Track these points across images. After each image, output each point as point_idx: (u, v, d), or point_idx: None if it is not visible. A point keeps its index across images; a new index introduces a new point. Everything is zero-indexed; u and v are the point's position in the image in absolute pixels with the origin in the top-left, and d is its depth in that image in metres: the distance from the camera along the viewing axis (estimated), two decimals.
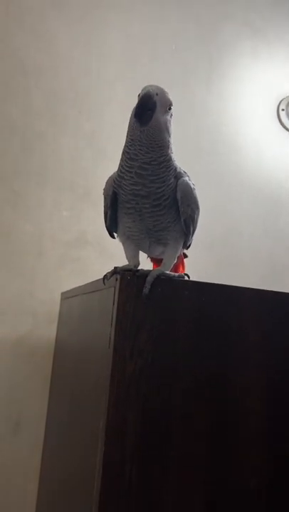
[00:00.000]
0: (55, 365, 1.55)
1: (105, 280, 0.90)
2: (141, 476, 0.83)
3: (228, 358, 0.91)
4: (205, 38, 2.07)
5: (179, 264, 1.14)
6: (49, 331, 1.60)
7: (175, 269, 1.13)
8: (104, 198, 1.01)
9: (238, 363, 0.91)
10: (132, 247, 1.01)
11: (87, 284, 1.18)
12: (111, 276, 0.89)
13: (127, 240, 1.01)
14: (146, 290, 0.86)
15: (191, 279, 0.98)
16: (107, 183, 1.01)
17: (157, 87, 0.91)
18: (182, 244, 1.01)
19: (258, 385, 0.93)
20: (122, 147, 0.97)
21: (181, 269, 1.14)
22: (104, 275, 0.90)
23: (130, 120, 0.94)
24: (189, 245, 1.07)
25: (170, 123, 0.94)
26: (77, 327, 1.27)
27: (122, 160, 0.95)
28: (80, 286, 1.30)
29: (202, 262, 1.70)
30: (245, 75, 2.14)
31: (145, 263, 1.09)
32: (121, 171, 0.95)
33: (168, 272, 0.93)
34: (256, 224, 2.05)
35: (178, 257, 1.08)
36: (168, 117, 0.94)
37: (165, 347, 0.88)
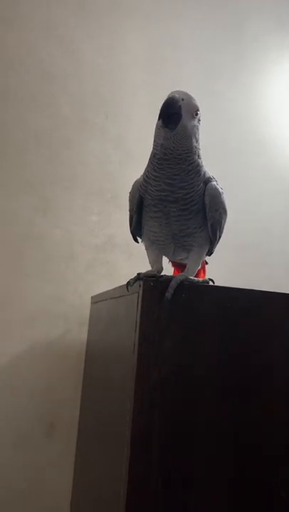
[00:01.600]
0: (87, 368, 1.57)
1: (129, 287, 0.90)
2: (167, 489, 0.82)
3: (256, 366, 0.89)
4: (230, 34, 2.04)
5: (200, 270, 1.13)
6: (80, 335, 1.63)
7: (196, 274, 1.12)
8: (130, 202, 1.01)
9: (266, 370, 0.89)
10: (156, 252, 1.00)
11: (115, 288, 1.18)
12: (134, 282, 0.89)
13: (151, 245, 1.01)
14: (168, 295, 0.85)
15: (218, 283, 0.96)
16: (133, 186, 1.00)
17: (183, 93, 0.91)
18: (207, 250, 1.00)
19: (286, 394, 0.90)
20: (149, 149, 0.96)
21: (202, 274, 1.13)
22: (128, 282, 0.90)
23: (156, 129, 0.93)
24: (212, 252, 1.05)
25: (197, 129, 0.93)
26: (105, 331, 1.28)
27: (148, 166, 0.95)
28: (108, 291, 1.31)
29: (230, 265, 1.68)
30: (272, 69, 2.09)
31: (167, 267, 1.09)
32: (148, 176, 0.94)
33: (192, 278, 0.93)
34: (287, 225, 2.01)
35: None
36: (195, 123, 0.92)
37: (190, 354, 0.87)
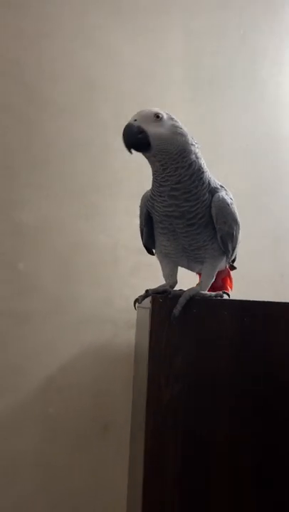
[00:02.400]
0: (135, 371, 1.59)
1: (136, 304, 0.90)
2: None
3: (275, 384, 0.85)
4: (273, 18, 1.92)
5: (226, 277, 1.09)
6: (129, 337, 1.65)
7: (222, 282, 1.09)
8: (139, 216, 1.01)
9: (285, 389, 0.84)
10: (170, 265, 0.99)
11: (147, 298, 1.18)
12: (143, 299, 0.88)
13: (164, 258, 0.99)
14: (176, 312, 0.84)
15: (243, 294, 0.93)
16: (141, 201, 1.00)
17: (134, 115, 0.91)
18: (221, 261, 0.96)
19: None
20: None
21: (228, 282, 1.09)
22: (136, 299, 0.90)
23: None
24: (234, 259, 1.01)
25: (176, 126, 0.90)
26: (143, 338, 1.29)
27: (153, 184, 0.94)
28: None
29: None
30: None
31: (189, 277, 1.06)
32: (153, 194, 0.93)
33: (203, 292, 0.90)
34: None
35: (224, 271, 1.03)
36: (167, 123, 0.90)
37: (203, 372, 0.85)
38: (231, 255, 0.96)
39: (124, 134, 0.88)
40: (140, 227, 1.03)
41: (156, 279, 1.66)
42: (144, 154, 0.91)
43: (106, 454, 1.61)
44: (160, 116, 0.90)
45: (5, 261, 1.63)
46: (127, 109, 1.75)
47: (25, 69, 1.69)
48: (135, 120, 0.89)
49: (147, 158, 0.91)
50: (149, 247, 1.04)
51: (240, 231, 0.95)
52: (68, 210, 1.69)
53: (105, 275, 1.68)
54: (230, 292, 1.18)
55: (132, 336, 1.64)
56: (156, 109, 0.90)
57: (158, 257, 1.02)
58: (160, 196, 0.90)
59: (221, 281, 1.15)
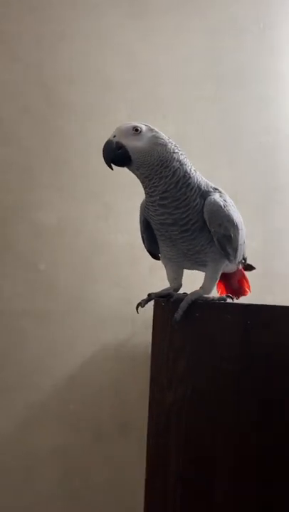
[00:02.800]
0: None
1: (138, 308, 0.91)
2: None
3: (280, 388, 0.83)
4: None
5: (242, 278, 1.08)
6: (147, 336, 1.65)
7: (239, 284, 1.08)
8: (139, 223, 1.02)
9: None
10: (174, 268, 0.99)
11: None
12: (145, 303, 0.89)
13: (168, 262, 0.99)
14: (177, 316, 0.84)
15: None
16: (140, 208, 1.00)
17: (115, 130, 0.91)
18: (223, 263, 0.95)
19: None
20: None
21: (245, 283, 1.08)
22: (139, 303, 0.91)
23: None
24: (245, 259, 1.00)
25: (157, 137, 0.90)
26: None
27: (145, 195, 0.95)
28: None
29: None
30: None
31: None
32: (147, 204, 0.94)
33: (206, 296, 0.89)
34: None
35: (237, 272, 1.02)
36: (147, 135, 0.91)
37: (207, 375, 0.84)
38: (234, 257, 0.94)
39: (103, 151, 0.89)
40: (141, 234, 1.03)
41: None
42: (128, 168, 0.91)
43: (125, 452, 1.63)
44: (139, 129, 0.91)
45: (26, 261, 1.67)
46: (143, 109, 1.77)
47: (44, 72, 1.72)
48: (114, 136, 0.90)
49: (132, 171, 0.92)
50: (154, 252, 1.04)
51: (241, 231, 0.93)
52: (87, 211, 1.72)
53: (124, 275, 1.70)
54: (249, 294, 1.17)
55: (150, 336, 1.65)
56: (135, 123, 0.91)
57: (162, 262, 1.02)
58: (152, 206, 0.91)
59: (238, 284, 1.14)
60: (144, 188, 0.93)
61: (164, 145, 0.90)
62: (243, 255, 1.01)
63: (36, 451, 1.60)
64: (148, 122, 1.74)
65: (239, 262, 1.01)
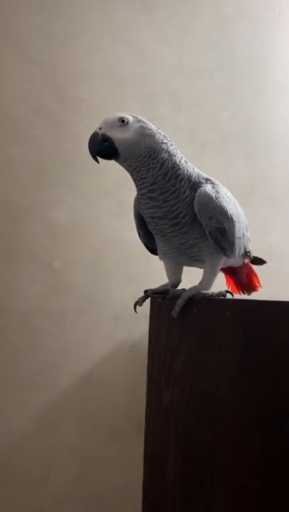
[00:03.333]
0: None
1: (136, 307, 0.88)
2: None
3: (280, 387, 0.79)
4: None
5: (250, 273, 1.04)
6: None
7: (249, 279, 1.04)
8: (134, 218, 0.99)
9: None
10: (172, 264, 0.96)
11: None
12: (143, 301, 0.86)
13: (164, 257, 0.97)
14: (174, 313, 0.81)
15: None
16: (134, 202, 0.98)
17: (101, 123, 0.88)
18: (221, 258, 0.90)
19: None
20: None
21: (254, 278, 1.04)
22: (136, 301, 0.88)
23: None
24: (249, 252, 0.95)
25: (143, 128, 0.87)
26: None
27: (135, 187, 0.92)
28: None
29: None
30: None
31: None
32: (138, 197, 0.92)
33: (204, 292, 0.86)
34: None
35: (244, 266, 0.99)
36: (134, 127, 0.87)
37: (206, 374, 0.81)
38: (231, 251, 0.89)
39: (88, 144, 0.87)
40: (136, 229, 1.01)
41: (188, 275, 1.64)
42: (116, 161, 0.89)
43: (142, 451, 1.61)
44: (125, 120, 0.87)
45: (41, 260, 1.68)
46: (157, 103, 1.74)
47: (56, 70, 1.72)
48: (100, 128, 0.88)
49: (120, 164, 0.89)
50: (152, 247, 1.02)
51: (238, 224, 0.89)
52: (100, 208, 1.71)
53: (138, 272, 1.68)
54: (260, 289, 1.13)
55: None
56: (121, 114, 0.88)
57: (159, 257, 1.00)
58: (142, 199, 0.89)
59: (247, 278, 1.11)
60: (133, 181, 0.90)
61: (152, 136, 0.87)
62: (245, 249, 0.96)
63: (53, 450, 1.61)
64: (161, 117, 1.72)
65: (243, 256, 0.97)
